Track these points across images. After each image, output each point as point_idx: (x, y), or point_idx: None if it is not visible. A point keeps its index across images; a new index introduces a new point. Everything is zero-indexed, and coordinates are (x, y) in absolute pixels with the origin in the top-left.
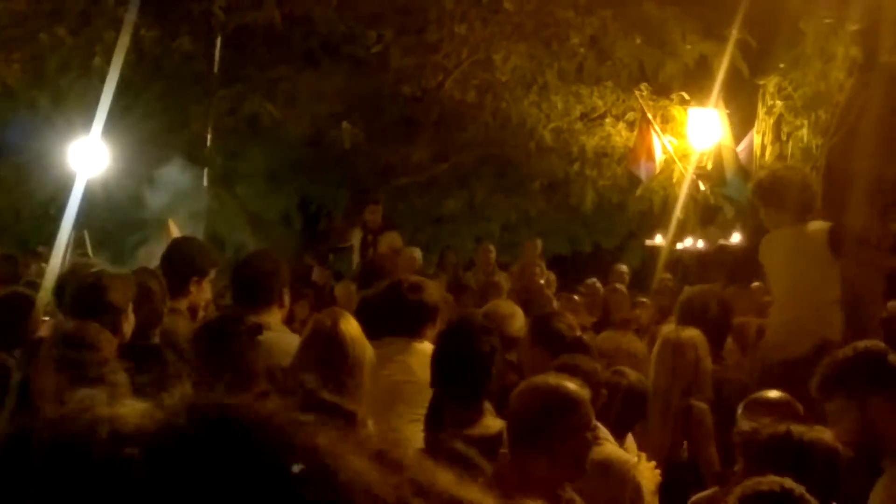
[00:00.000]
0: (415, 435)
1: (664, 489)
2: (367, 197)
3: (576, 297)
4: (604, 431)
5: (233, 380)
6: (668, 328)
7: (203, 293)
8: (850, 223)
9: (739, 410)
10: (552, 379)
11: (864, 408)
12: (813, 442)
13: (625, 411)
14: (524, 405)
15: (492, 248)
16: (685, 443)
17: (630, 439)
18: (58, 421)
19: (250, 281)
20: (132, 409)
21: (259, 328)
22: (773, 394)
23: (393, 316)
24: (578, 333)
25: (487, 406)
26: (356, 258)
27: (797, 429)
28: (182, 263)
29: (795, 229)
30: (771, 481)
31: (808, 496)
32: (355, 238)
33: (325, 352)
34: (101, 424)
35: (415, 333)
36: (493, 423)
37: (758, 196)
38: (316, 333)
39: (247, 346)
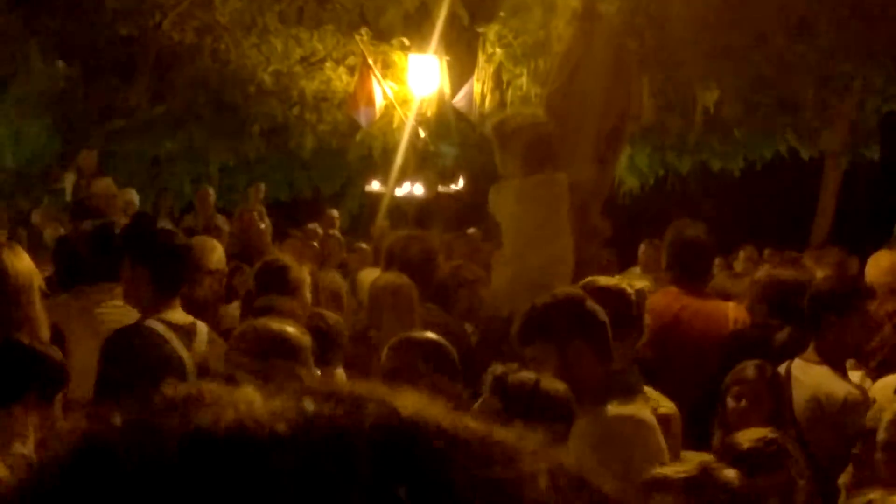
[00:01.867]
0: None
1: None
2: (82, 139)
3: (306, 243)
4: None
5: None
6: (379, 273)
7: None
8: (568, 175)
9: None
10: (274, 324)
11: (563, 352)
12: (551, 390)
13: (323, 353)
14: (246, 348)
15: (211, 191)
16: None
17: (341, 375)
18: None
19: None
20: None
21: None
22: None
23: (105, 259)
24: (304, 274)
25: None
26: (69, 201)
27: (528, 374)
28: None
29: (531, 179)
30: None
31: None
32: (68, 182)
33: None
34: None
35: None
36: (182, 317)
37: (496, 140)
38: None
39: None
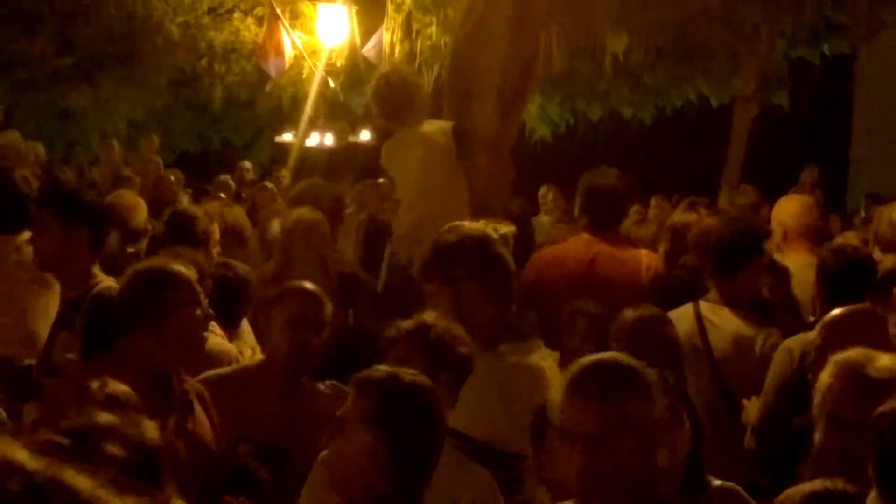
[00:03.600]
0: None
1: (338, 358)
2: None
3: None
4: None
5: None
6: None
7: None
8: (472, 122)
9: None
10: (154, 260)
11: (457, 293)
12: (451, 337)
13: (234, 301)
14: (126, 286)
15: (115, 143)
16: (350, 311)
17: (246, 328)
18: None
19: None
20: None
21: None
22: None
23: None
24: (213, 228)
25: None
26: None
27: (440, 323)
28: None
29: (416, 131)
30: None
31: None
32: None
33: None
34: None
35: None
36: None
37: (376, 105)
38: None
39: None
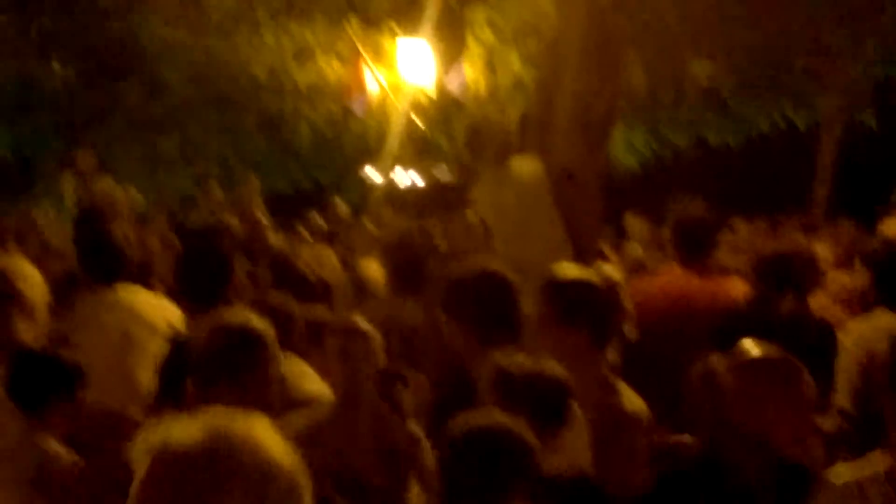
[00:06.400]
0: None
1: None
2: (81, 140)
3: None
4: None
5: None
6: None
7: None
8: (556, 158)
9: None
10: (234, 315)
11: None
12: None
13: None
14: (205, 342)
15: (217, 187)
16: None
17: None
18: None
19: None
20: None
21: None
22: None
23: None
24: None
25: None
26: (69, 205)
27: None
28: None
29: (506, 172)
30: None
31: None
32: (67, 184)
33: None
34: None
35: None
36: None
37: (468, 147)
38: None
39: None
